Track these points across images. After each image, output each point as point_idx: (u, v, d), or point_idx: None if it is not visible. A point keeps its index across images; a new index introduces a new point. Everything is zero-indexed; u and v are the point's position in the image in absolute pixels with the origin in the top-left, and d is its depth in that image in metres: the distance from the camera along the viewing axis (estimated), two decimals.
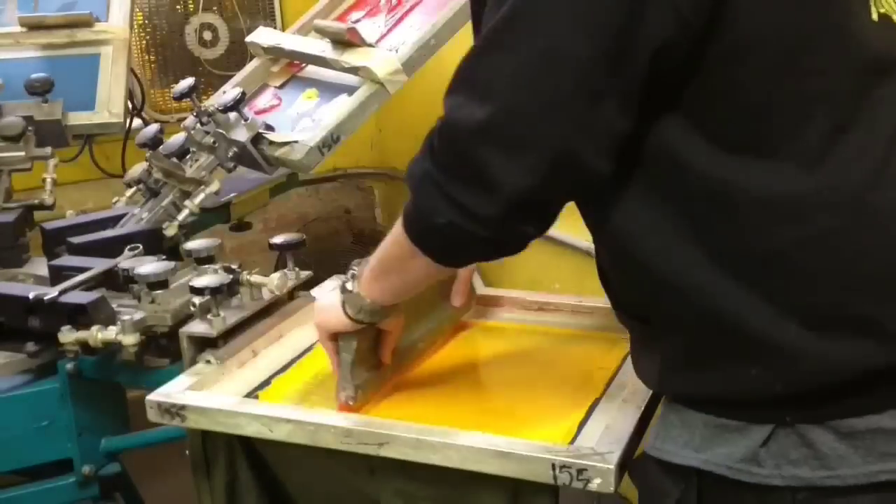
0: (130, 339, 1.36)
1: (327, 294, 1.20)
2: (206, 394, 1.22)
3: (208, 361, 1.29)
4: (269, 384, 1.27)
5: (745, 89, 0.82)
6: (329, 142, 1.60)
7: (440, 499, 1.09)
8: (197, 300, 1.32)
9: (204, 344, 1.32)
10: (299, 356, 1.36)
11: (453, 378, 1.29)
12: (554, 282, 2.55)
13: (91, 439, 1.49)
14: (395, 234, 0.97)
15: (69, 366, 1.45)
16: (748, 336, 0.84)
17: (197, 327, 1.31)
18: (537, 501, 1.04)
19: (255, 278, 1.42)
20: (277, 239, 1.52)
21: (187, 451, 1.26)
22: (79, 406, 1.47)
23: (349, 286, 1.11)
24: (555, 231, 2.72)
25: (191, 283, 1.34)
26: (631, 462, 1.01)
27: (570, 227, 2.64)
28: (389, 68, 1.63)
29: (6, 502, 1.49)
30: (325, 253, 3.42)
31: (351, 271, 1.12)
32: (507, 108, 0.82)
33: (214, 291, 1.31)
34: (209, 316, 1.31)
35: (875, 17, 0.85)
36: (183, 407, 1.17)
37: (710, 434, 0.88)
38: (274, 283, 1.43)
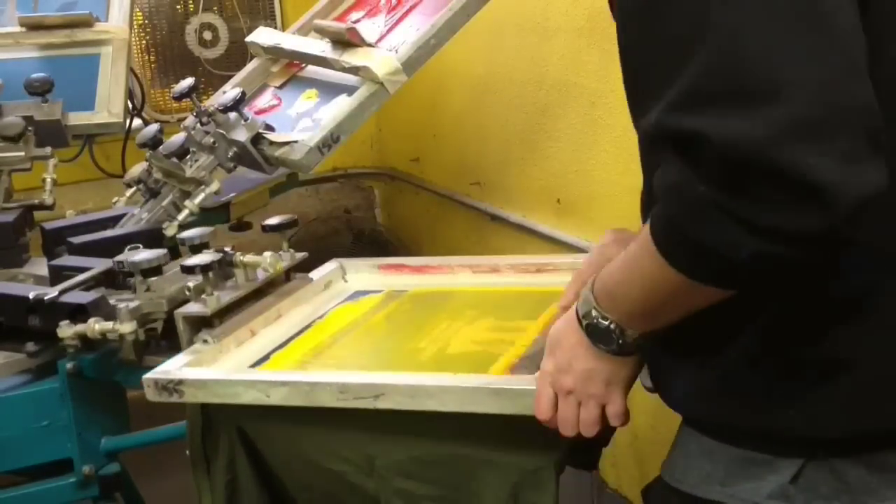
0: (127, 328, 1.35)
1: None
2: (204, 369, 1.23)
3: (205, 341, 1.29)
4: (267, 359, 1.27)
5: None
6: (329, 142, 1.60)
7: (440, 498, 1.09)
8: (191, 282, 1.33)
9: (200, 324, 1.32)
10: (298, 333, 1.36)
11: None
12: None
13: (91, 439, 1.49)
14: (663, 281, 0.81)
15: (69, 365, 1.44)
16: (800, 371, 0.81)
17: (191, 308, 1.32)
18: (537, 500, 1.04)
19: (249, 258, 1.43)
20: (271, 220, 1.52)
21: (187, 451, 1.26)
22: (79, 406, 1.46)
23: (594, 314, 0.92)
24: (555, 231, 2.72)
25: (182, 264, 1.35)
26: (646, 488, 1.00)
27: (570, 226, 2.66)
28: (389, 68, 1.62)
29: (6, 502, 1.48)
30: (325, 253, 3.42)
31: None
32: (809, 97, 0.68)
33: (205, 269, 1.31)
34: (203, 296, 1.31)
35: None
36: (180, 382, 1.16)
37: (736, 467, 0.86)
38: (267, 261, 1.43)
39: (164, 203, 1.79)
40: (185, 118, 1.78)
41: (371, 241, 3.42)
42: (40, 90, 1.99)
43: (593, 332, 0.91)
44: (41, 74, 2.01)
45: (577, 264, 1.39)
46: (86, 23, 2.23)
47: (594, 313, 0.90)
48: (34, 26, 2.23)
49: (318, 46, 1.75)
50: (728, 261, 0.73)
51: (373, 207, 3.77)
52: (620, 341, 0.90)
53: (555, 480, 1.04)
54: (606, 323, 0.89)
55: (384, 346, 1.37)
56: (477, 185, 2.93)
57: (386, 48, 1.70)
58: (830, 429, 0.81)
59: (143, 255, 1.44)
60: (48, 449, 1.47)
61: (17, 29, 2.22)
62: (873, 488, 0.81)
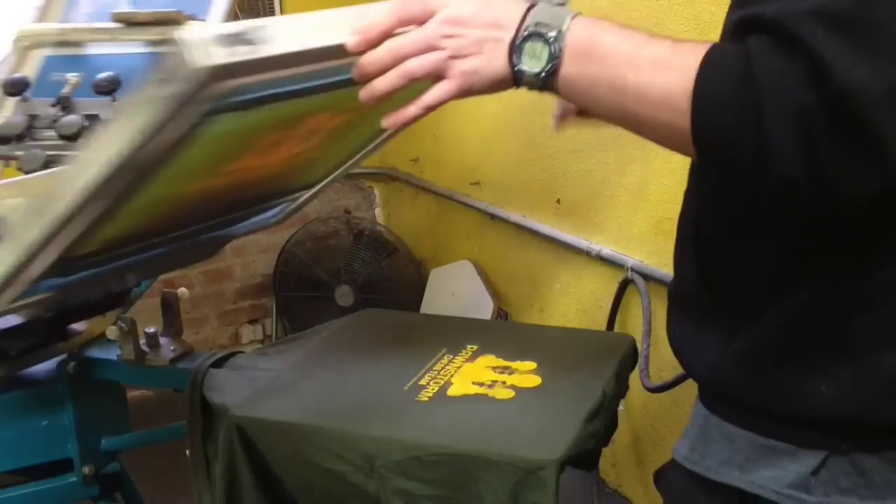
0: None
1: None
2: None
3: None
4: None
5: None
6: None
7: (440, 498, 1.09)
8: None
9: None
10: None
11: None
12: (554, 282, 2.55)
13: (91, 439, 1.49)
14: (667, 105, 0.73)
15: (69, 366, 1.45)
16: (846, 349, 0.79)
17: None
18: (537, 500, 1.04)
19: None
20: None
21: (187, 451, 1.26)
22: (79, 406, 1.47)
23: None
24: (555, 231, 2.72)
25: None
26: (658, 472, 0.99)
27: (570, 226, 2.66)
28: None
29: (6, 502, 1.48)
30: (326, 252, 3.42)
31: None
32: None
33: None
34: None
35: None
36: None
37: (756, 454, 0.84)
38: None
39: None
40: None
41: (371, 241, 3.42)
42: (107, 89, 1.98)
43: (526, 43, 0.80)
44: (109, 73, 2.00)
45: None
46: (175, 20, 2.23)
47: (549, 31, 0.79)
48: (127, 22, 2.23)
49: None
50: (770, 165, 0.69)
51: (373, 207, 3.77)
52: (544, 75, 0.80)
53: (555, 480, 1.04)
54: (552, 39, 0.79)
55: None
56: (477, 185, 2.93)
57: None
58: (861, 411, 0.79)
59: None
60: (48, 449, 1.47)
61: (113, 24, 2.22)
62: (894, 485, 0.80)
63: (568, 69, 0.79)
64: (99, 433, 1.50)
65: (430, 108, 0.86)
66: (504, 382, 1.26)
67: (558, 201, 2.45)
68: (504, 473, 1.05)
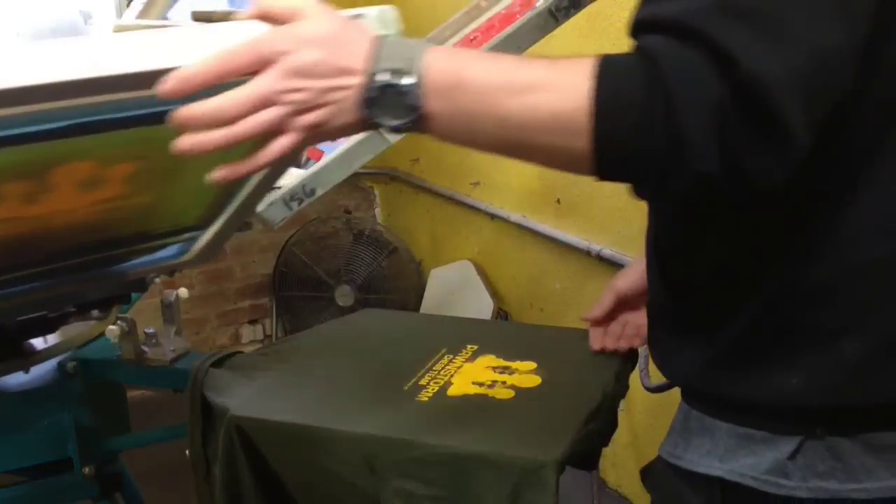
0: None
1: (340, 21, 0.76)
2: None
3: None
4: None
5: None
6: (300, 195, 1.37)
7: (440, 498, 1.09)
8: None
9: None
10: None
11: None
12: (554, 282, 2.55)
13: (91, 439, 1.49)
14: (567, 110, 0.70)
15: (69, 365, 1.45)
16: (810, 340, 0.81)
17: None
18: (537, 500, 1.04)
19: None
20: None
21: (187, 451, 1.26)
22: (79, 406, 1.46)
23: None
24: (555, 231, 2.72)
25: None
26: (645, 467, 1.00)
27: (570, 226, 2.66)
28: None
29: (6, 502, 1.49)
30: (326, 252, 3.42)
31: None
32: (813, 53, 0.68)
33: None
34: None
35: None
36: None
37: (735, 444, 0.86)
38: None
39: None
40: None
41: (371, 241, 3.42)
42: None
43: (380, 95, 0.73)
44: None
45: None
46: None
47: (404, 79, 0.72)
48: (204, 19, 2.23)
49: None
50: (684, 163, 0.68)
51: (373, 207, 3.77)
52: (407, 121, 0.74)
53: (555, 480, 1.04)
54: (409, 87, 0.72)
55: None
56: (477, 185, 2.93)
57: None
58: (832, 397, 0.81)
59: None
60: (48, 449, 1.47)
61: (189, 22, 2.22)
62: (869, 468, 0.81)
63: (436, 108, 0.73)
64: (99, 433, 1.50)
65: (266, 166, 0.77)
66: (504, 382, 1.26)
67: (558, 201, 2.45)
68: (504, 473, 1.05)
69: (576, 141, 0.71)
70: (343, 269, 3.39)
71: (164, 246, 1.23)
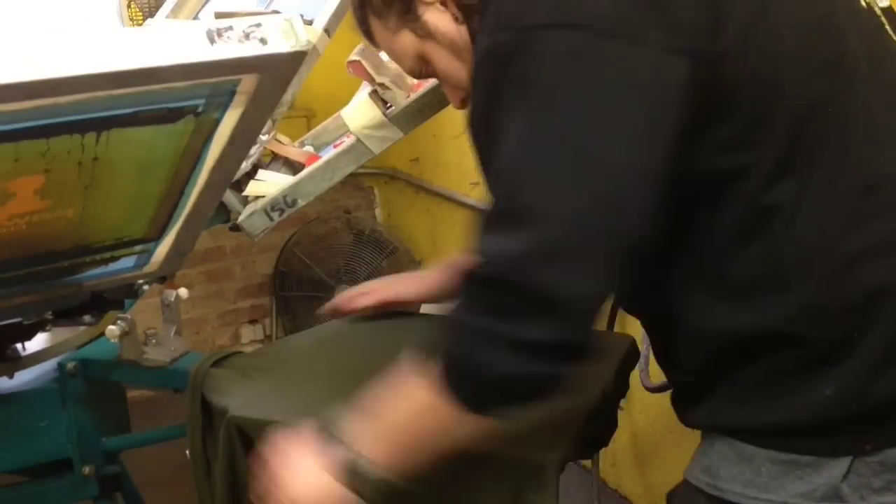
0: None
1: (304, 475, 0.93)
2: None
3: None
4: None
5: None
6: (280, 206, 1.36)
7: (438, 497, 1.09)
8: None
9: None
10: None
11: None
12: None
13: (91, 439, 1.49)
14: (417, 407, 0.86)
15: (69, 365, 1.45)
16: (823, 351, 0.81)
17: None
18: (537, 500, 1.04)
19: None
20: None
21: (187, 451, 1.26)
22: (79, 406, 1.46)
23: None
24: None
25: None
26: (672, 494, 0.98)
27: None
28: (367, 119, 1.26)
29: (6, 502, 1.49)
30: (326, 252, 3.42)
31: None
32: (559, 223, 0.77)
33: None
34: None
35: None
36: None
37: (779, 471, 0.83)
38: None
39: None
40: None
41: (371, 241, 3.42)
42: None
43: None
44: None
45: None
46: None
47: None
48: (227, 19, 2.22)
49: None
50: (486, 380, 0.79)
51: (373, 207, 3.77)
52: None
53: (555, 480, 1.04)
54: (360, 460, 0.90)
55: None
56: (477, 185, 2.93)
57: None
58: (867, 397, 0.80)
59: None
60: (48, 449, 1.47)
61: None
62: None
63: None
64: (99, 433, 1.50)
65: None
66: None
67: None
68: (503, 473, 1.05)
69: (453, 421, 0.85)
70: (343, 269, 3.39)
71: (114, 258, 1.23)
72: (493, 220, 0.82)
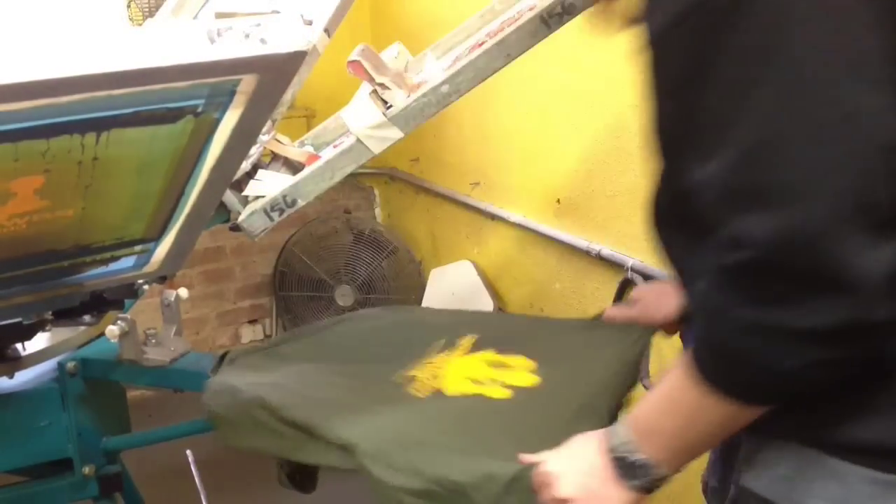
0: None
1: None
2: None
3: None
4: None
5: None
6: (280, 206, 1.37)
7: (436, 496, 1.09)
8: None
9: None
10: None
11: None
12: (554, 282, 2.55)
13: (91, 439, 1.49)
14: (708, 410, 0.82)
15: (69, 365, 1.45)
16: None
17: None
18: (536, 500, 1.04)
19: None
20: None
21: (188, 451, 1.25)
22: (79, 406, 1.46)
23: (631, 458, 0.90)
24: (555, 231, 2.70)
25: None
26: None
27: (570, 226, 2.65)
28: (367, 120, 1.27)
29: (6, 502, 1.48)
30: (326, 252, 3.42)
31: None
32: (844, 191, 0.68)
33: None
34: None
35: None
36: None
37: (878, 492, 0.78)
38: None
39: None
40: None
41: (371, 241, 3.42)
42: None
43: (622, 465, 0.90)
44: None
45: None
46: None
47: (627, 447, 0.89)
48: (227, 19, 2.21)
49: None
50: (776, 375, 0.74)
51: (373, 207, 3.77)
52: (649, 477, 0.88)
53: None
54: (638, 458, 0.88)
55: None
56: (477, 185, 2.93)
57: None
58: None
59: None
60: (48, 449, 1.47)
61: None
62: None
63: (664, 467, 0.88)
64: (99, 433, 1.50)
65: None
66: (502, 382, 1.26)
67: (558, 201, 2.45)
68: (501, 472, 1.05)
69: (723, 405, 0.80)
70: (343, 269, 3.39)
71: (114, 258, 1.23)
72: (739, 199, 0.71)
